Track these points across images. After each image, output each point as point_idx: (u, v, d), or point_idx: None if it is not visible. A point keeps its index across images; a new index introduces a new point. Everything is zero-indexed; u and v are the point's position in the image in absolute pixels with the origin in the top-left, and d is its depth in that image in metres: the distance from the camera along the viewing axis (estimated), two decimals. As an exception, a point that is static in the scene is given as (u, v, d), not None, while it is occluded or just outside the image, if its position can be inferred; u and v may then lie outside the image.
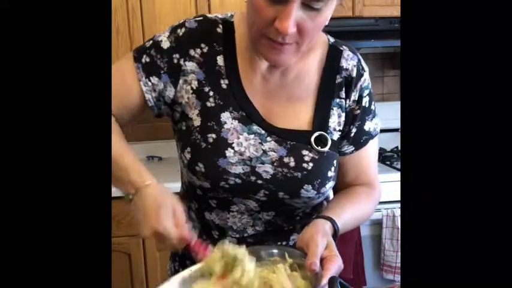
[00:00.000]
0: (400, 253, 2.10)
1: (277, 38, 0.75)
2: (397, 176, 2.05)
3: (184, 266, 0.99)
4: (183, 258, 1.02)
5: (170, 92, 0.86)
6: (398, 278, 2.12)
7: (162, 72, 0.85)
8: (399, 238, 2.08)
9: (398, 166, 2.19)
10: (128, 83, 0.86)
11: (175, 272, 1.02)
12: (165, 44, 0.86)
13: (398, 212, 2.09)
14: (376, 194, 0.96)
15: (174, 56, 0.85)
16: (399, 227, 2.07)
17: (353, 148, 0.92)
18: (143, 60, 0.86)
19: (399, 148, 2.43)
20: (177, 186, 1.75)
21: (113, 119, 0.85)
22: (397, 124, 2.04)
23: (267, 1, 0.72)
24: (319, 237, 0.74)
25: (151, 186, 0.77)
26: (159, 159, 2.43)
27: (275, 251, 0.78)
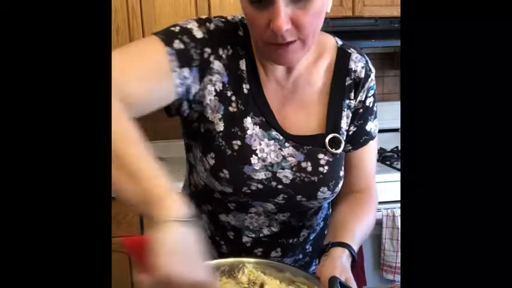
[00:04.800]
0: (400, 253, 2.10)
1: (277, 39, 0.74)
2: (397, 176, 2.05)
3: None
4: None
5: (194, 89, 0.80)
6: (398, 278, 2.12)
7: (194, 65, 0.78)
8: (399, 238, 2.08)
9: (398, 166, 2.19)
10: (157, 73, 0.74)
11: None
12: (198, 34, 0.78)
13: (398, 212, 2.09)
14: (374, 202, 0.96)
15: (205, 49, 0.79)
16: (399, 227, 2.07)
17: (350, 147, 0.92)
18: (176, 46, 0.75)
19: (399, 148, 2.43)
20: (176, 186, 1.75)
21: (136, 129, 0.66)
22: (397, 124, 2.04)
23: (255, 10, 0.73)
24: (337, 275, 0.74)
25: (190, 225, 0.60)
26: (159, 159, 2.43)
27: (301, 273, 0.81)
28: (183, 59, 0.76)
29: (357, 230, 0.86)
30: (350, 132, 0.91)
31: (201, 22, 0.80)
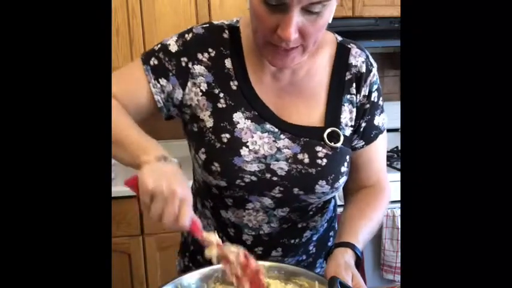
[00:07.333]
0: (400, 253, 2.10)
1: (280, 44, 0.77)
2: (397, 176, 2.05)
3: (194, 262, 1.00)
4: (193, 254, 1.03)
5: (179, 94, 0.88)
6: (398, 278, 2.12)
7: (170, 74, 0.87)
8: (399, 238, 2.09)
9: (399, 166, 2.19)
10: (137, 85, 0.88)
11: (185, 268, 1.03)
12: (173, 48, 0.88)
13: (398, 212, 2.09)
14: (386, 196, 0.97)
15: (182, 59, 0.88)
16: (399, 227, 2.08)
17: (363, 143, 0.93)
18: (151, 63, 0.88)
19: (399, 148, 2.43)
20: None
21: (120, 105, 0.86)
22: (397, 124, 2.04)
23: (268, 10, 0.75)
24: (342, 271, 0.76)
25: (179, 166, 0.76)
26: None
27: (305, 273, 0.80)
28: (158, 72, 0.88)
29: (360, 228, 0.87)
30: (361, 129, 0.91)
31: (180, 35, 0.90)
